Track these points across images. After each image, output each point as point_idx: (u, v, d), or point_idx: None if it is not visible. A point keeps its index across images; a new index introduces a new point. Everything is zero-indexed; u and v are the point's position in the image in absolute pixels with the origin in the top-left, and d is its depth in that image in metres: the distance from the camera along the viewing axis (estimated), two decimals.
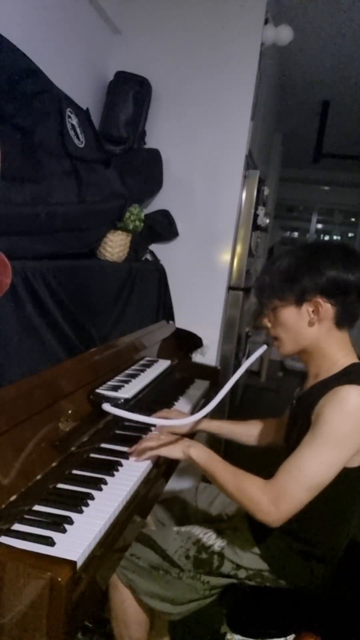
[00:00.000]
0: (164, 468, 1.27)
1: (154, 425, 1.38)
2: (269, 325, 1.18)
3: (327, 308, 1.08)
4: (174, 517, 1.47)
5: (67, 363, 1.25)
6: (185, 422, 1.31)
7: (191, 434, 1.43)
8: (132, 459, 1.18)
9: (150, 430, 1.39)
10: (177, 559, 1.21)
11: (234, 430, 1.45)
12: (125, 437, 1.34)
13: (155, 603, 1.21)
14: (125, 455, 1.20)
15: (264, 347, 1.27)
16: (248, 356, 1.30)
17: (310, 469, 1.00)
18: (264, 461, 1.46)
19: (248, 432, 1.45)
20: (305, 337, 1.12)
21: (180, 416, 1.42)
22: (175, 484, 1.46)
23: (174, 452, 1.16)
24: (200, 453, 1.14)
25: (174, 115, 2.24)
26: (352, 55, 3.20)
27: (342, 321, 1.10)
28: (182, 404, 1.66)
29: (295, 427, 1.15)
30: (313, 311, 1.09)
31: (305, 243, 1.16)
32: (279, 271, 1.12)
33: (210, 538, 1.24)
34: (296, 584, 1.19)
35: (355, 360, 1.12)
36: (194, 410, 1.66)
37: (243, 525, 1.24)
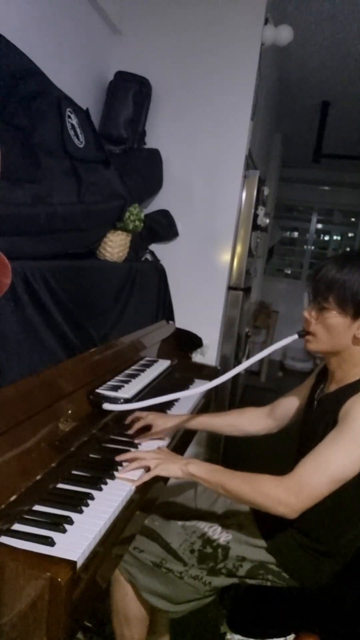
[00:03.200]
0: None
1: (152, 425, 1.38)
2: (310, 319, 1.15)
3: None
4: (175, 517, 1.47)
5: (67, 363, 1.25)
6: (192, 392, 1.29)
7: (175, 433, 1.42)
8: (121, 474, 1.13)
9: (150, 430, 1.39)
10: (181, 553, 1.21)
11: (214, 423, 1.45)
12: (125, 437, 1.34)
13: (155, 600, 1.22)
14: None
15: (295, 336, 1.21)
16: (248, 357, 1.29)
17: (336, 462, 1.01)
18: (264, 462, 1.46)
19: (229, 422, 1.44)
20: (342, 346, 1.12)
21: (165, 419, 1.40)
22: (177, 484, 1.45)
23: (172, 470, 1.14)
24: (200, 468, 1.13)
25: (174, 115, 2.24)
26: (352, 55, 3.20)
27: None
28: (182, 404, 1.66)
29: (317, 427, 1.14)
30: None
31: None
32: (351, 280, 1.07)
33: (215, 532, 1.24)
34: (300, 579, 1.19)
35: None
36: (193, 411, 1.66)
37: (249, 521, 1.24)
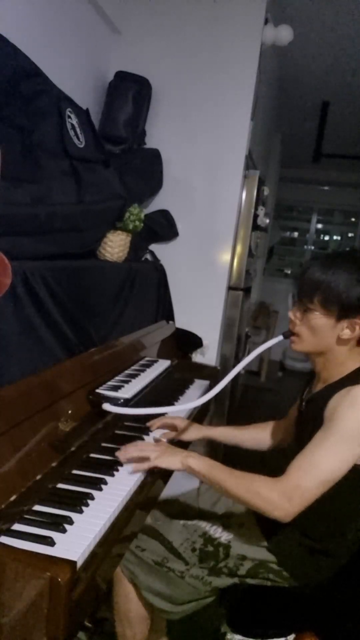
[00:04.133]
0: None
1: (177, 428, 1.38)
2: (295, 319, 1.15)
3: None
4: (176, 517, 1.47)
5: (67, 363, 1.25)
6: (187, 406, 1.30)
7: (195, 442, 1.43)
8: (122, 456, 1.15)
9: (150, 431, 1.39)
10: (182, 552, 1.22)
11: (237, 436, 1.44)
12: (125, 437, 1.34)
13: (156, 600, 1.22)
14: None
15: (280, 337, 1.22)
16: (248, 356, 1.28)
17: (324, 464, 1.01)
18: (263, 463, 1.46)
19: (253, 436, 1.44)
20: (327, 346, 1.12)
21: (179, 422, 1.42)
22: (175, 485, 1.45)
23: (172, 463, 1.14)
24: (200, 462, 1.13)
25: (174, 115, 2.24)
26: (352, 56, 3.20)
27: None
28: (182, 404, 1.65)
29: (307, 428, 1.15)
30: (347, 327, 1.08)
31: None
32: (335, 281, 1.07)
33: (217, 531, 1.25)
34: (301, 578, 1.19)
35: None
36: (193, 410, 1.66)
37: (250, 521, 1.25)
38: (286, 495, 1.01)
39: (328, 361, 1.15)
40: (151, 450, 1.16)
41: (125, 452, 1.15)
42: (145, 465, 1.13)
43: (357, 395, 1.03)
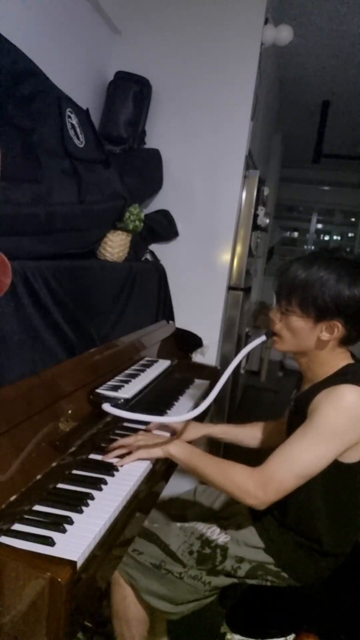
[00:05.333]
0: (163, 468, 1.27)
1: (177, 430, 1.38)
2: (275, 320, 1.15)
3: (341, 330, 1.08)
4: (174, 519, 1.47)
5: (67, 363, 1.25)
6: (183, 418, 1.31)
7: (196, 440, 1.42)
8: (109, 459, 1.17)
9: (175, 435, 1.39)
10: (180, 555, 1.22)
11: (238, 434, 1.45)
12: (125, 437, 1.33)
13: (155, 601, 1.22)
14: (126, 456, 1.19)
15: (263, 337, 1.21)
16: (248, 356, 1.29)
17: (301, 459, 1.03)
18: (262, 462, 1.45)
19: (253, 435, 1.44)
20: (307, 347, 1.13)
21: (191, 426, 1.41)
22: (175, 485, 1.46)
23: (153, 452, 1.17)
24: (180, 449, 1.15)
25: (174, 115, 2.24)
26: (352, 55, 3.20)
27: (348, 341, 1.12)
28: (182, 404, 1.65)
29: (295, 427, 1.15)
30: (326, 329, 1.08)
31: (344, 258, 1.08)
32: (312, 284, 1.06)
33: (214, 533, 1.25)
34: (300, 579, 1.19)
35: (350, 361, 1.13)
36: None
37: (247, 522, 1.25)
38: (261, 484, 1.03)
39: (312, 361, 1.15)
40: (133, 443, 1.18)
41: (109, 453, 1.18)
42: (128, 459, 1.15)
43: (338, 394, 1.03)
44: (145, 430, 1.37)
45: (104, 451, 1.22)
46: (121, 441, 1.21)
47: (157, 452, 1.16)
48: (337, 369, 1.11)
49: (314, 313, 1.07)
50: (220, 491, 1.13)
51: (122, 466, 1.15)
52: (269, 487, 1.03)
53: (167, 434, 1.39)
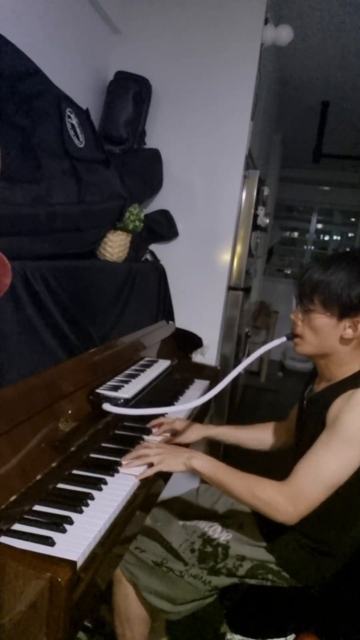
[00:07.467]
0: None
1: (151, 428, 1.38)
2: (297, 321, 1.15)
3: None
4: (176, 517, 1.47)
5: (67, 363, 1.25)
6: (187, 406, 1.30)
7: (196, 442, 1.42)
8: (123, 470, 1.14)
9: (150, 431, 1.39)
10: (181, 552, 1.22)
11: (238, 436, 1.44)
12: (125, 437, 1.34)
13: (156, 600, 1.22)
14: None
15: (283, 338, 1.21)
16: (248, 356, 1.28)
17: (328, 468, 1.02)
18: (264, 463, 1.46)
19: (254, 436, 1.44)
20: (330, 347, 1.12)
21: (191, 427, 1.41)
22: (175, 485, 1.45)
23: (174, 465, 1.14)
24: (204, 463, 1.13)
25: (174, 115, 2.24)
26: (352, 56, 3.21)
27: None
28: (183, 404, 1.65)
29: (307, 428, 1.15)
30: (350, 327, 1.08)
31: None
32: (335, 281, 1.07)
33: (215, 531, 1.25)
34: (301, 579, 1.19)
35: None
36: (194, 410, 1.66)
37: (250, 522, 1.25)
38: (291, 499, 1.02)
39: (331, 362, 1.14)
40: (153, 454, 1.15)
41: (129, 464, 1.15)
42: (149, 472, 1.13)
43: (358, 399, 1.03)
44: (146, 427, 1.37)
45: (104, 451, 1.22)
46: (140, 451, 1.18)
47: (179, 466, 1.13)
48: (355, 371, 1.11)
49: (337, 310, 1.08)
50: (246, 506, 1.11)
51: (141, 480, 1.12)
52: (299, 501, 1.01)
53: (167, 435, 1.39)
